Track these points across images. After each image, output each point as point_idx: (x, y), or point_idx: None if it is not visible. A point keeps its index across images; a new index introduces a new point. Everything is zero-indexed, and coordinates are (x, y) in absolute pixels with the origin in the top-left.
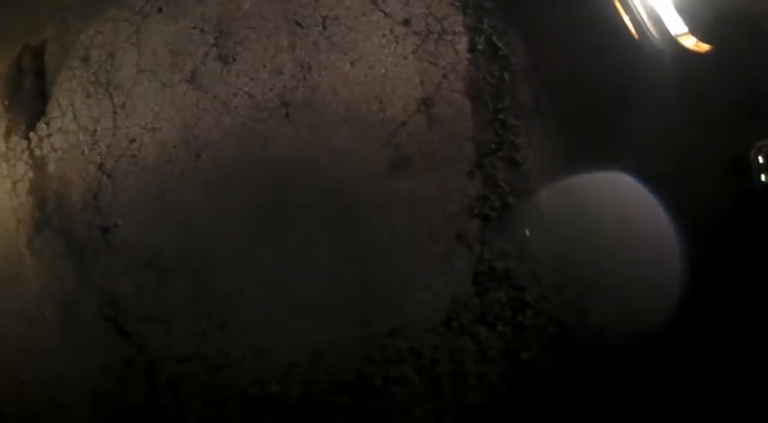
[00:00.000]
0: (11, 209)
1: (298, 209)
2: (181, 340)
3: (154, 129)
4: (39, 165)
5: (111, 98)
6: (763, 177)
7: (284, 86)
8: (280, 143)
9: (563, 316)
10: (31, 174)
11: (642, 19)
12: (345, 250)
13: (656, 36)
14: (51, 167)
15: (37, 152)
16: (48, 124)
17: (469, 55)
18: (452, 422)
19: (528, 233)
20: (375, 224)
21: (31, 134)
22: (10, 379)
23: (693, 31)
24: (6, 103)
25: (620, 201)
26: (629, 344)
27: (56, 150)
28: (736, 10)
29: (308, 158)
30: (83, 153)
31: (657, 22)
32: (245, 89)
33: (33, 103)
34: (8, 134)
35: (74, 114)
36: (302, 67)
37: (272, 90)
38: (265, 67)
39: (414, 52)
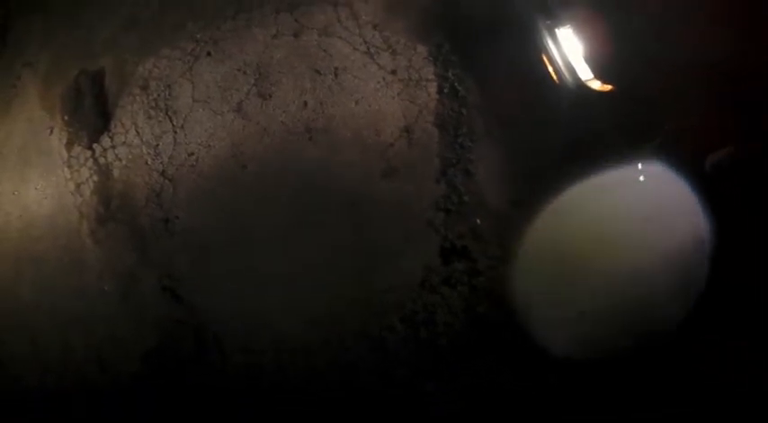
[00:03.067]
0: (74, 205)
1: (318, 203)
2: (226, 304)
3: (209, 145)
4: (103, 170)
5: (171, 120)
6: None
7: (308, 118)
8: (306, 158)
9: (505, 280)
10: (95, 178)
11: (561, 68)
12: (352, 232)
13: (571, 80)
14: (116, 173)
15: (101, 160)
16: (111, 138)
17: (438, 96)
18: (428, 360)
19: (478, 222)
20: (373, 214)
21: (95, 145)
22: (57, 347)
23: (597, 76)
24: (66, 118)
25: (547, 196)
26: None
27: (120, 160)
28: (627, 61)
29: (326, 169)
30: (146, 162)
31: (571, 70)
32: (280, 119)
33: (94, 119)
34: (70, 144)
35: (137, 132)
36: (321, 104)
37: (299, 120)
38: (294, 103)
39: (399, 94)
